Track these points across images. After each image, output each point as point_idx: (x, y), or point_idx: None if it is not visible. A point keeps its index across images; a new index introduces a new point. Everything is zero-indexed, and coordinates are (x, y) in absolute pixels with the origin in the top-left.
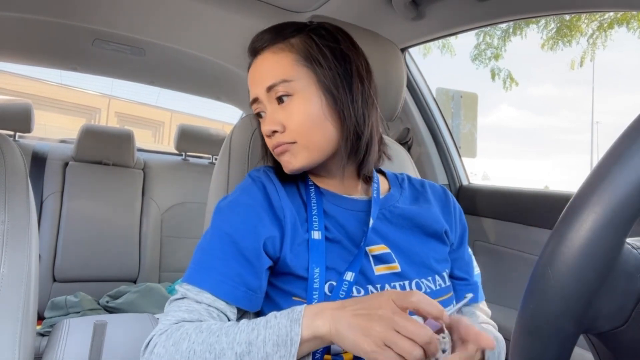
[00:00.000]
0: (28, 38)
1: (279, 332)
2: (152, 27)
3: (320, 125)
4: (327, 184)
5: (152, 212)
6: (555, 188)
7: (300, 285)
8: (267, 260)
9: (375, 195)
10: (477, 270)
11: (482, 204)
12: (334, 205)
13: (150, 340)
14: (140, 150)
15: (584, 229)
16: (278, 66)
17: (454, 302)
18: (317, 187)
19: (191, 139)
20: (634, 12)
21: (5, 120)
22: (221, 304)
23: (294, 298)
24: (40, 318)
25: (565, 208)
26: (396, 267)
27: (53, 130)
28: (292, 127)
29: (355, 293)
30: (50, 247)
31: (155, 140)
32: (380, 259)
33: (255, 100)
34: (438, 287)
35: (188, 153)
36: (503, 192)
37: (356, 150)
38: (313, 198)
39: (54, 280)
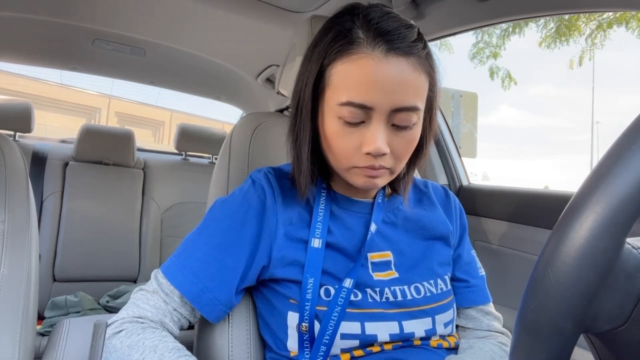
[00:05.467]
0: (28, 38)
1: None
2: (152, 27)
3: (409, 156)
4: (344, 189)
5: (152, 212)
6: (555, 188)
7: (296, 288)
8: (251, 272)
9: (379, 200)
10: (481, 271)
11: (482, 204)
12: (344, 209)
13: (115, 322)
14: (140, 150)
15: (584, 229)
16: (417, 90)
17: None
18: (328, 192)
19: (191, 139)
20: (633, 12)
21: (5, 120)
22: (186, 310)
23: (291, 301)
24: (40, 318)
25: (565, 208)
26: (393, 273)
27: (53, 130)
28: (398, 155)
29: (353, 297)
30: (50, 247)
31: (155, 140)
32: (378, 266)
33: (364, 107)
34: (439, 291)
35: (188, 153)
36: (503, 192)
37: (406, 172)
38: (322, 203)
39: (54, 280)
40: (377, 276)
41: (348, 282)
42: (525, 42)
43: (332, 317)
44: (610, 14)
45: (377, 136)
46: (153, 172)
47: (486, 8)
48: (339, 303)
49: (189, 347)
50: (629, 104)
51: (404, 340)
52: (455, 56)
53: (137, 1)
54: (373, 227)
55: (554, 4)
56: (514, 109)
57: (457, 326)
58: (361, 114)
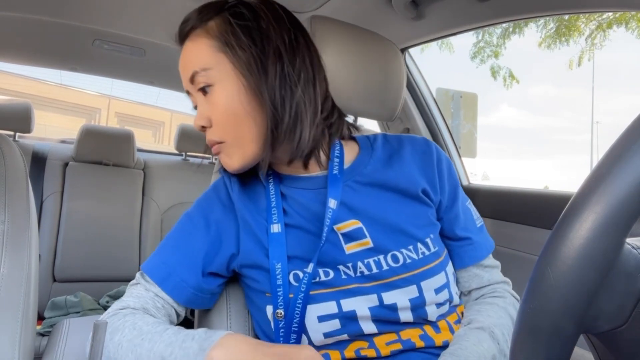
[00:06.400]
0: (28, 38)
1: (188, 357)
2: (152, 27)
3: (243, 117)
4: (285, 167)
5: (152, 212)
6: (555, 188)
7: (266, 280)
8: (218, 257)
9: (336, 172)
10: (478, 222)
11: (482, 204)
12: (293, 188)
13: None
14: (140, 150)
15: (584, 229)
16: (196, 55)
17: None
18: (275, 173)
19: (191, 139)
20: (633, 12)
21: (5, 120)
22: (166, 295)
23: (267, 295)
24: (40, 318)
25: (565, 208)
26: (368, 242)
27: (53, 130)
28: (216, 121)
29: (323, 277)
30: (50, 247)
31: (155, 140)
32: (350, 236)
33: (187, 92)
34: (421, 256)
35: (188, 153)
36: (503, 192)
37: (281, 138)
38: (272, 189)
39: (54, 280)
40: (350, 248)
41: (310, 267)
42: (525, 42)
43: (297, 305)
44: (610, 14)
45: (197, 114)
46: (153, 172)
47: (486, 8)
48: (302, 289)
49: None
50: (628, 104)
51: (386, 312)
52: (455, 56)
53: (137, 1)
54: (332, 203)
55: (554, 4)
56: (514, 109)
57: (460, 295)
58: (192, 99)
